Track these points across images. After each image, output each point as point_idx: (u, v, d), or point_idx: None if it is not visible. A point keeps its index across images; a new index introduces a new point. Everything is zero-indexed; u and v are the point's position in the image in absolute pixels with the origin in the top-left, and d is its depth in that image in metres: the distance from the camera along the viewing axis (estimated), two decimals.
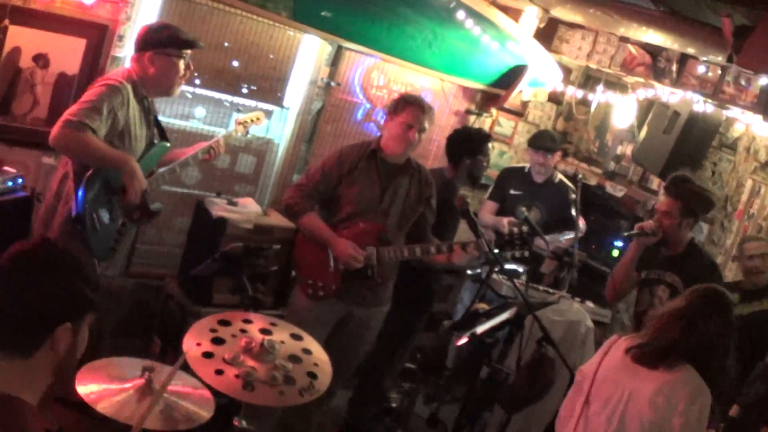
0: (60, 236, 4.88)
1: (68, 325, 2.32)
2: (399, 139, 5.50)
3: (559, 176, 7.67)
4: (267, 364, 3.94)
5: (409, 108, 5.49)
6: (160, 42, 4.98)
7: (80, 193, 4.78)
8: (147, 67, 4.98)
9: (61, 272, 2.34)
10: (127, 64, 5.20)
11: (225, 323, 4.24)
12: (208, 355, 3.95)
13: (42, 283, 2.30)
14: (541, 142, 7.51)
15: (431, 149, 8.18)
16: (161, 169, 5.29)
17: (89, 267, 2.44)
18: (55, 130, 4.64)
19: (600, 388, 4.05)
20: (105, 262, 5.04)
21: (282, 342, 4.15)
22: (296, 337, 4.32)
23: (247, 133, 5.87)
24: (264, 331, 4.21)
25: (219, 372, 3.85)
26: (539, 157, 7.48)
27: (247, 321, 4.32)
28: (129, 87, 4.92)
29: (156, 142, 5.33)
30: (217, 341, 4.07)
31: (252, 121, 5.82)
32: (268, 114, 7.23)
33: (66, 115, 4.67)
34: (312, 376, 4.04)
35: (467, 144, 6.56)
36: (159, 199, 5.54)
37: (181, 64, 5.09)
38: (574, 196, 7.28)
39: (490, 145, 6.77)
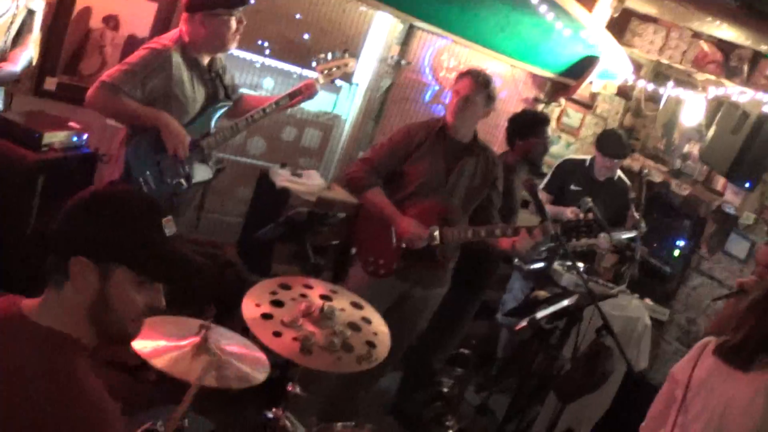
0: None
1: (83, 259, 2.23)
2: (451, 109, 5.41)
3: (619, 174, 7.44)
4: (326, 329, 3.89)
5: (464, 78, 5.39)
6: (210, 3, 4.91)
7: (129, 153, 4.85)
8: (198, 28, 4.92)
9: (101, 207, 2.28)
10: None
11: (285, 287, 4.20)
12: (267, 316, 3.92)
13: (80, 212, 2.27)
14: (611, 149, 7.19)
15: (497, 135, 8.07)
16: (224, 126, 5.23)
17: (143, 221, 2.34)
18: (91, 90, 4.72)
19: (696, 395, 3.88)
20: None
21: (342, 309, 4.11)
22: (356, 306, 4.27)
23: (333, 81, 5.69)
24: (324, 297, 4.17)
25: (277, 334, 3.81)
26: (607, 162, 7.22)
27: (308, 286, 4.26)
28: (176, 50, 4.91)
29: (220, 98, 5.25)
30: (277, 304, 4.04)
31: (339, 68, 5.54)
32: (336, 89, 7.22)
33: (104, 76, 4.73)
34: (370, 345, 3.97)
35: (519, 125, 6.49)
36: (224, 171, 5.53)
37: (233, 21, 5.00)
38: (633, 195, 7.17)
39: (549, 129, 6.65)
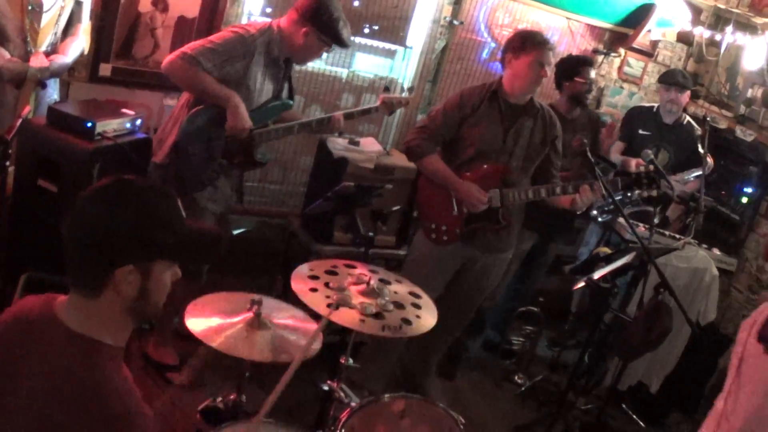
0: (165, 159, 5.08)
1: (129, 267, 2.27)
2: (531, 79, 5.34)
3: (688, 118, 7.47)
4: (369, 299, 3.95)
5: (540, 47, 5.31)
6: (323, 27, 5.08)
7: (184, 123, 4.99)
8: (298, 35, 5.10)
9: (127, 210, 2.27)
10: (250, 5, 5.26)
11: (351, 267, 4.30)
12: (314, 277, 4.04)
13: (105, 218, 2.25)
14: (672, 78, 7.34)
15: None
16: (279, 125, 5.36)
17: (168, 210, 2.37)
18: (171, 57, 4.88)
19: (747, 364, 3.84)
20: (197, 193, 5.14)
21: (395, 292, 4.15)
22: (415, 296, 4.27)
23: (391, 113, 5.85)
24: (384, 281, 4.21)
25: (313, 290, 3.94)
26: (670, 94, 7.30)
27: (374, 271, 4.31)
28: (261, 41, 5.06)
29: (283, 97, 5.42)
30: (331, 273, 4.15)
31: (400, 103, 5.74)
32: (391, 53, 7.22)
33: (186, 47, 4.89)
34: (406, 322, 3.94)
35: (565, 68, 6.57)
36: (286, 141, 5.63)
37: (325, 49, 5.24)
38: (699, 133, 7.19)
39: (593, 71, 6.66)
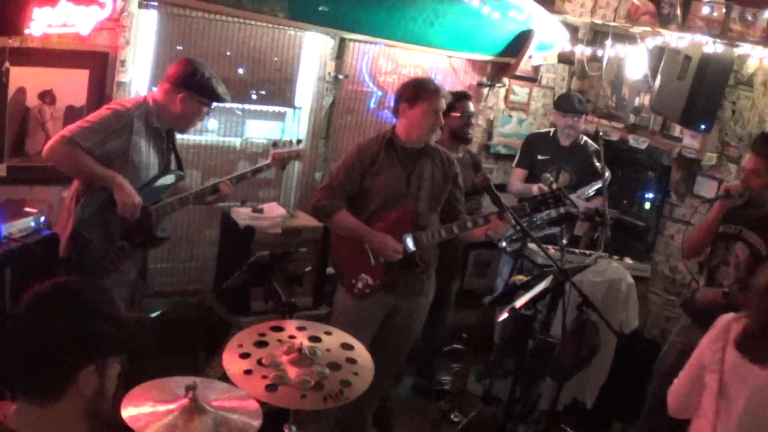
0: (65, 252, 5.03)
1: (91, 368, 2.28)
2: (427, 127, 5.49)
3: (585, 138, 7.66)
4: (303, 369, 3.89)
5: (433, 94, 5.47)
6: (199, 88, 5.14)
7: (77, 212, 4.98)
8: (175, 103, 5.14)
9: (77, 315, 2.29)
10: (137, 87, 5.26)
11: (277, 329, 4.21)
12: (245, 355, 3.94)
13: (58, 328, 2.26)
14: (568, 105, 7.52)
15: None
16: (173, 197, 5.34)
17: (108, 306, 2.39)
18: (50, 142, 4.88)
19: (732, 380, 3.86)
20: (101, 280, 4.99)
21: (327, 350, 4.07)
22: (347, 347, 4.20)
23: (284, 168, 5.89)
24: (314, 339, 4.15)
25: (248, 372, 3.82)
26: (568, 120, 7.50)
27: (302, 328, 4.25)
28: (138, 114, 5.07)
29: (172, 169, 5.42)
30: (260, 344, 4.05)
31: (291, 156, 5.77)
32: (281, 116, 7.22)
33: (64, 130, 4.90)
34: (345, 384, 3.87)
35: None
36: (185, 214, 5.57)
37: (205, 110, 5.27)
38: (593, 148, 7.42)
39: (470, 104, 6.88)
